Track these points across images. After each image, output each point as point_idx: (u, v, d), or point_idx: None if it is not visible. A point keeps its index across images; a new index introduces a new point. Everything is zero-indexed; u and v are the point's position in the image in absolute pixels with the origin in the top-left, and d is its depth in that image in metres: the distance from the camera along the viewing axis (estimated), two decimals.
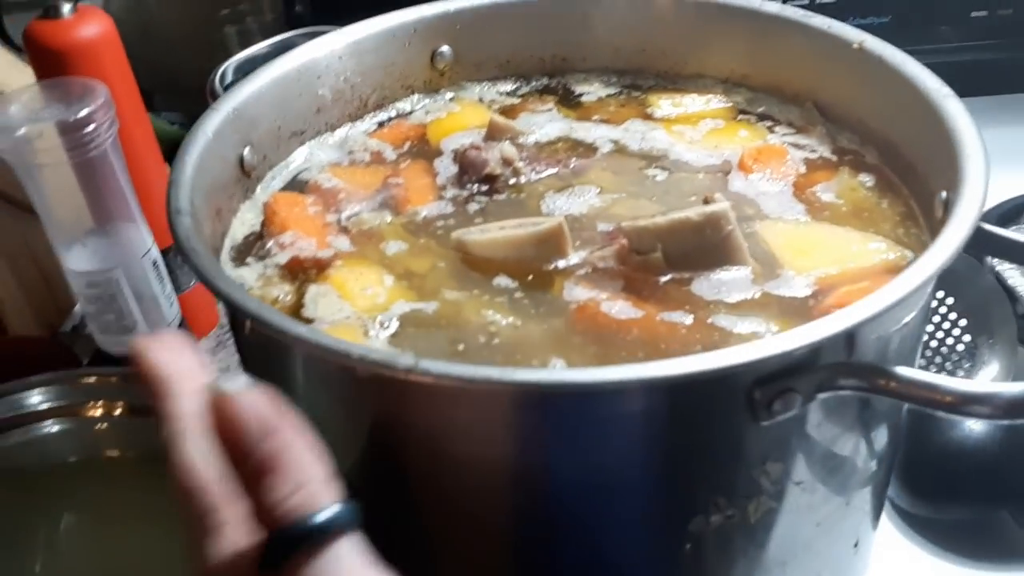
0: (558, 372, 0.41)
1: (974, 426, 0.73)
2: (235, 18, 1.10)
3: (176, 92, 1.09)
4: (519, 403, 0.44)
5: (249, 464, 0.40)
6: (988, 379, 0.81)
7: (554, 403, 0.44)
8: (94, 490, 0.65)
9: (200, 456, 0.39)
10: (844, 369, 0.44)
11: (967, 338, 0.85)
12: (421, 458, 0.48)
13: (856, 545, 0.58)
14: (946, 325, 0.84)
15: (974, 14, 1.02)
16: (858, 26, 0.66)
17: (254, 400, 0.41)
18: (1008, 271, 0.80)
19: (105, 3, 1.14)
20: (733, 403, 0.44)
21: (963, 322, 0.85)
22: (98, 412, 0.66)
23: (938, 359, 0.83)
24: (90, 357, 0.89)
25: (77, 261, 0.79)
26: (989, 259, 0.82)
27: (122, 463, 0.65)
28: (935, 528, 0.75)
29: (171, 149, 0.90)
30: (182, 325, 0.87)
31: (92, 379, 0.66)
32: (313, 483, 0.39)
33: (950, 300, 0.84)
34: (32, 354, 0.89)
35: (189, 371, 0.42)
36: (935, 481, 0.74)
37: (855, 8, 0.98)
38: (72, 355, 0.91)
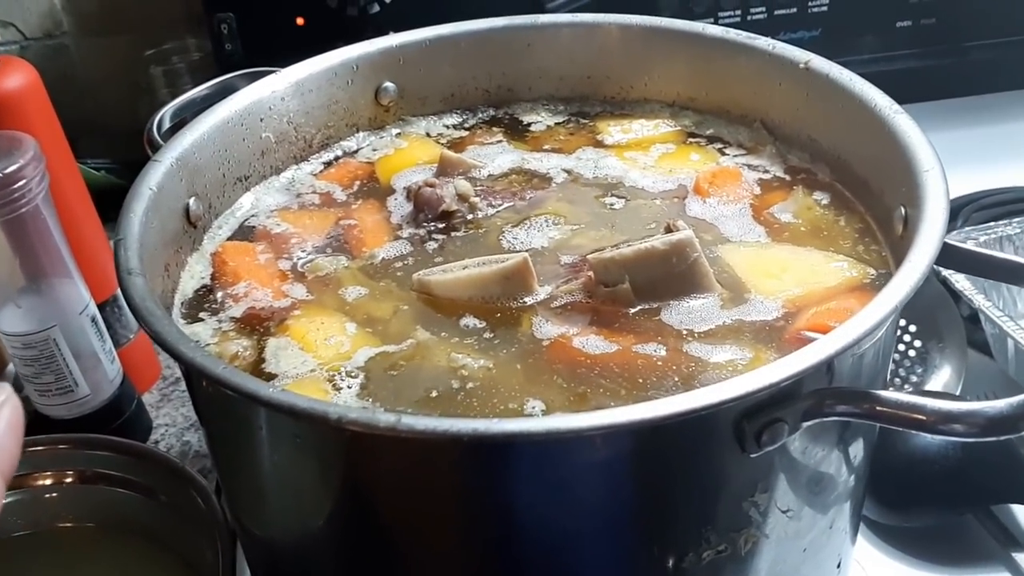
0: (545, 420, 0.40)
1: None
2: (161, 59, 1.07)
3: (102, 136, 1.05)
4: (506, 453, 0.42)
5: None
6: (941, 383, 0.82)
7: (540, 450, 0.42)
8: (47, 563, 0.62)
9: None
10: (828, 395, 0.44)
11: (918, 344, 0.86)
12: (399, 511, 0.47)
13: (839, 565, 0.58)
14: (897, 332, 0.86)
15: (899, 24, 1.05)
16: (789, 40, 0.66)
17: None
18: (954, 275, 0.81)
19: (21, 50, 1.10)
20: (722, 437, 0.43)
21: (913, 328, 0.87)
22: (48, 481, 0.62)
23: (891, 366, 0.84)
24: (27, 422, 0.85)
25: (11, 323, 0.76)
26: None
27: (77, 533, 0.62)
28: (904, 536, 0.75)
29: (99, 196, 0.87)
30: (124, 381, 0.84)
31: (39, 448, 0.63)
32: None
33: None
34: None
35: None
36: (901, 490, 0.74)
37: (786, 23, 1.00)
38: None
